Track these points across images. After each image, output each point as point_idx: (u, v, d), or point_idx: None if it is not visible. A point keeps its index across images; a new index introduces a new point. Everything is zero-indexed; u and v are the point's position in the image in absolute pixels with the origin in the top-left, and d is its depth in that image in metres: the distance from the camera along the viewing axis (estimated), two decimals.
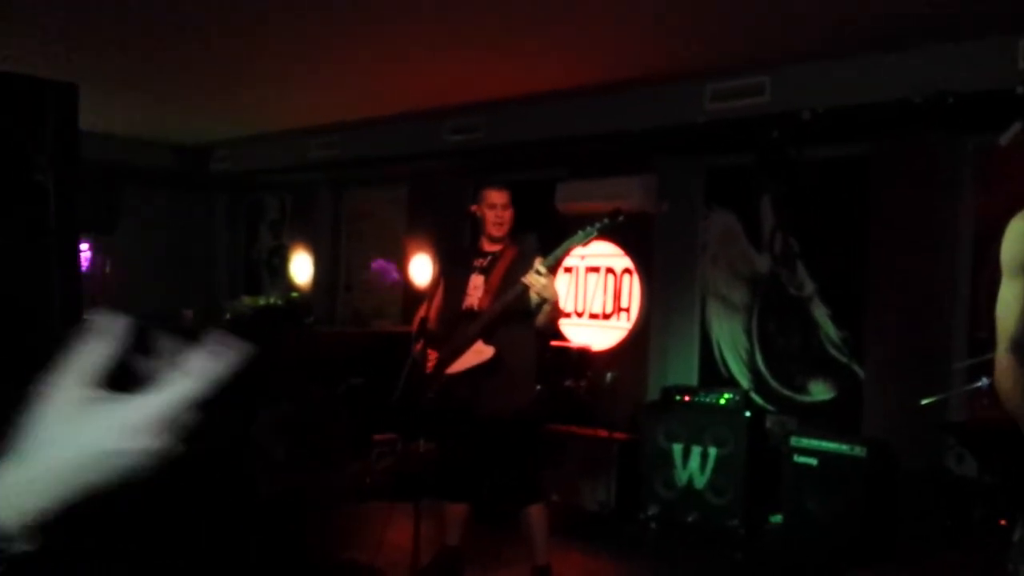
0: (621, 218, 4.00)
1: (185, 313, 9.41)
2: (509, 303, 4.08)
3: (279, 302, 8.44)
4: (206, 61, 6.51)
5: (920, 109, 5.21)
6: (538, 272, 3.89)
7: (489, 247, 4.37)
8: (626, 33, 5.41)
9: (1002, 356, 2.30)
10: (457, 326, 4.25)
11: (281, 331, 7.64)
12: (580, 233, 3.94)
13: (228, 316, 7.96)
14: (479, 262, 4.33)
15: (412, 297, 8.62)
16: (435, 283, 4.52)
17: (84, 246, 10.22)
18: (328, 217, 9.96)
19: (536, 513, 4.26)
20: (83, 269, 10.15)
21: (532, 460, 4.37)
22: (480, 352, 4.16)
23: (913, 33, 5.11)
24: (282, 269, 10.48)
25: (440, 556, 4.56)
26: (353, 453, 6.73)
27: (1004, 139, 4.87)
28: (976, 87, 5.06)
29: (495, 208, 4.34)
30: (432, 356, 4.24)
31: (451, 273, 4.42)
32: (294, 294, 9.62)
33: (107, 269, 9.73)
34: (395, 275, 8.88)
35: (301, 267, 10.11)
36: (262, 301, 8.27)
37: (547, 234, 7.58)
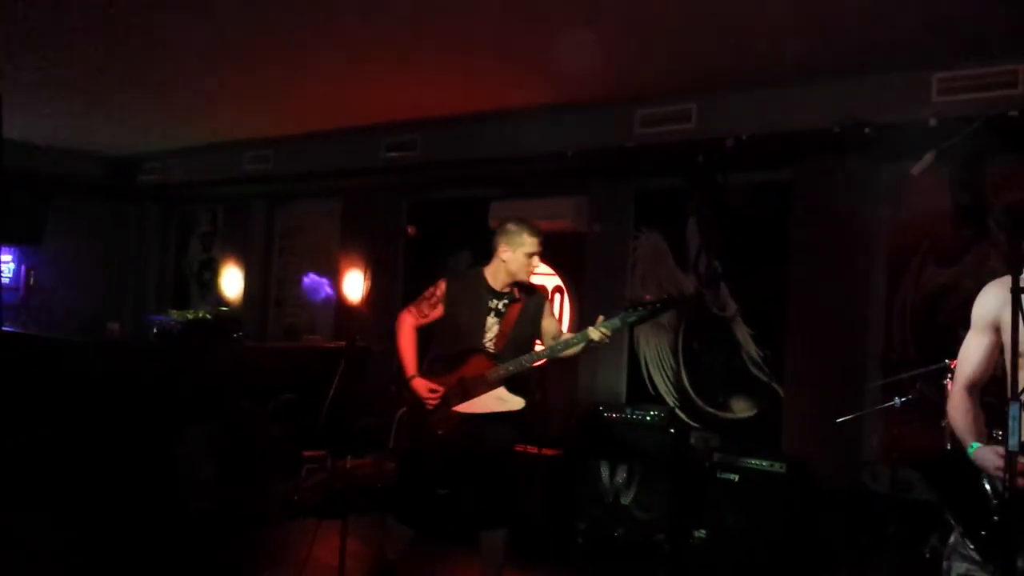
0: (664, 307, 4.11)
1: (111, 326, 9.22)
2: (558, 356, 4.16)
3: (208, 316, 8.32)
4: (137, 72, 6.45)
5: (838, 138, 5.45)
6: (604, 333, 3.98)
7: (503, 287, 4.22)
8: (563, 58, 5.52)
9: (957, 392, 2.79)
10: (467, 363, 4.14)
11: (210, 346, 7.54)
12: (632, 313, 4.03)
13: (155, 330, 7.82)
14: (494, 303, 4.20)
15: (345, 312, 8.61)
16: (432, 305, 4.29)
17: (7, 257, 9.95)
18: (261, 231, 9.87)
19: (505, 535, 4.27)
20: (7, 280, 9.89)
21: (512, 484, 4.37)
22: (504, 400, 4.11)
23: (833, 65, 5.34)
24: (212, 283, 10.34)
25: (377, 571, 4.55)
26: (283, 469, 6.68)
27: (917, 169, 5.11)
28: (892, 118, 5.31)
29: (534, 257, 4.18)
30: (428, 394, 4.14)
31: (464, 305, 4.20)
32: (224, 308, 9.50)
33: (31, 281, 9.49)
34: (328, 290, 8.85)
35: (232, 281, 10.00)
36: (191, 315, 8.14)
37: (481, 252, 7.72)
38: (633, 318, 4.01)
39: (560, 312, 7.15)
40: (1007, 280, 2.52)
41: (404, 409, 6.57)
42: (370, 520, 5.80)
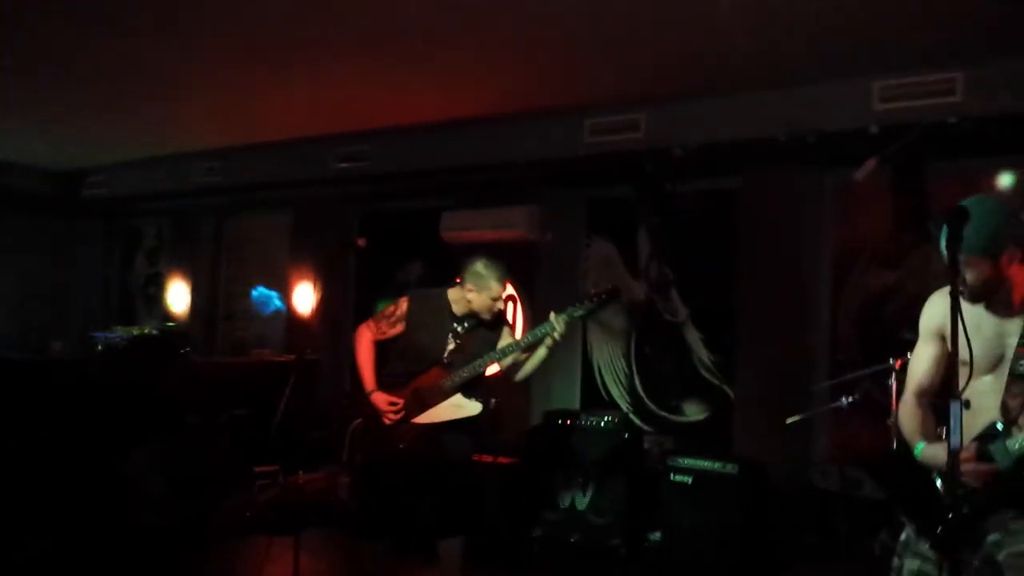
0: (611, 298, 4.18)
1: (54, 344, 9.01)
2: (520, 359, 4.17)
3: (155, 332, 8.18)
4: (79, 83, 6.34)
5: (784, 146, 5.57)
6: (556, 325, 4.01)
7: (465, 313, 4.24)
8: (510, 68, 5.59)
9: (908, 397, 2.86)
10: (423, 375, 4.17)
11: (157, 362, 7.41)
12: (579, 307, 4.08)
13: (100, 347, 7.67)
14: (456, 326, 4.23)
15: (295, 326, 8.53)
16: (392, 323, 4.29)
17: None
18: (209, 244, 9.74)
19: (462, 543, 4.28)
20: None
21: (470, 493, 4.37)
22: (461, 407, 4.14)
23: (778, 74, 5.47)
24: (159, 298, 10.17)
25: None
26: (234, 485, 6.58)
27: (860, 175, 5.24)
28: (835, 126, 5.45)
29: (498, 300, 4.22)
30: (388, 407, 4.15)
31: (425, 326, 4.23)
32: (171, 323, 9.35)
33: None
34: (277, 303, 8.76)
35: (178, 295, 9.83)
36: (136, 331, 8.00)
37: (432, 262, 7.75)
38: (581, 311, 4.08)
39: (513, 320, 7.18)
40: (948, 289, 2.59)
41: (359, 421, 6.52)
42: (322, 536, 5.76)
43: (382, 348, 4.35)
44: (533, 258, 7.01)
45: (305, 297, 8.49)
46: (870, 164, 5.22)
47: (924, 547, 2.66)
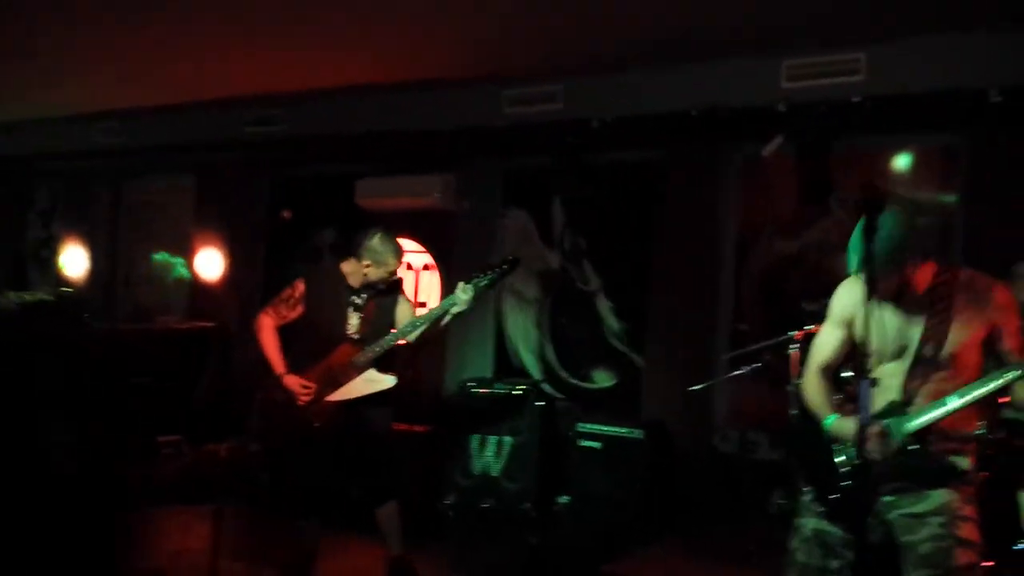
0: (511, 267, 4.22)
1: None
2: (430, 330, 4.16)
3: (49, 298, 7.85)
4: None
5: (696, 121, 5.74)
6: (464, 293, 4.03)
7: (362, 285, 4.26)
8: (428, 35, 5.55)
9: (812, 374, 3.04)
10: (333, 352, 4.17)
11: (53, 329, 7.13)
12: (483, 277, 4.11)
13: None
14: (354, 299, 4.25)
15: (200, 292, 8.33)
16: (291, 306, 4.29)
17: None
18: (107, 207, 9.37)
19: (395, 508, 4.34)
20: None
21: (394, 461, 4.42)
22: (375, 381, 4.15)
23: (691, 50, 5.61)
24: (52, 263, 9.75)
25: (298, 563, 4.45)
26: (138, 456, 6.42)
27: (767, 151, 5.44)
28: (744, 103, 5.63)
29: (394, 274, 4.25)
30: (300, 388, 4.14)
31: (324, 303, 4.24)
32: (66, 289, 8.99)
33: None
34: (182, 270, 8.54)
35: (75, 260, 9.46)
36: (29, 297, 7.66)
37: (346, 229, 7.65)
38: (485, 281, 4.13)
39: (429, 290, 7.19)
40: (859, 280, 2.76)
41: (264, 391, 6.48)
42: (237, 506, 5.69)
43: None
44: (450, 227, 7.02)
45: (212, 264, 8.27)
46: (777, 140, 5.44)
47: (822, 508, 2.85)
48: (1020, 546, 4.36)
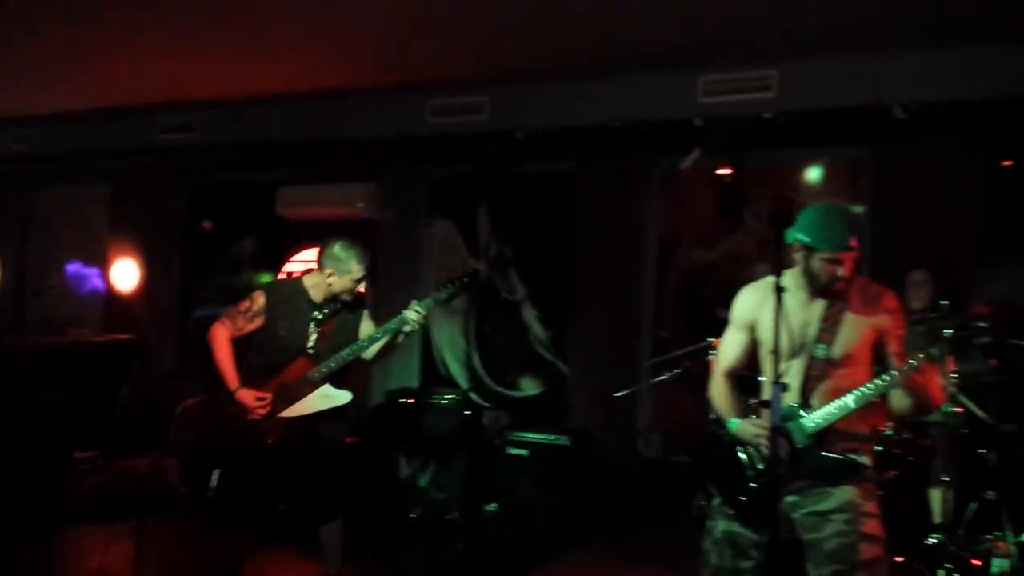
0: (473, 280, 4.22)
1: None
2: (386, 346, 4.12)
3: None
4: None
5: (617, 133, 5.88)
6: (418, 312, 4.00)
7: (324, 299, 4.17)
8: (349, 43, 5.55)
9: (718, 377, 3.16)
10: (288, 367, 4.09)
11: None
12: (443, 291, 4.12)
13: None
14: (315, 314, 4.15)
15: (115, 304, 8.12)
16: (249, 319, 4.16)
17: None
18: (16, 215, 9.05)
19: (339, 526, 4.28)
20: None
21: (343, 479, 4.35)
22: (330, 397, 4.07)
23: (613, 66, 5.74)
24: None
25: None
26: (53, 472, 6.23)
27: (685, 164, 5.61)
28: (663, 116, 5.79)
29: (359, 283, 4.16)
30: (255, 403, 4.05)
31: (285, 318, 4.13)
32: None
33: None
34: (96, 280, 8.31)
35: None
36: None
37: (267, 238, 7.57)
38: (445, 295, 4.13)
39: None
40: (761, 284, 2.92)
41: (189, 402, 6.32)
42: (157, 523, 5.57)
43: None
44: (374, 237, 7.00)
45: (127, 274, 8.07)
46: (694, 154, 5.61)
47: (731, 514, 2.98)
48: (930, 541, 4.60)
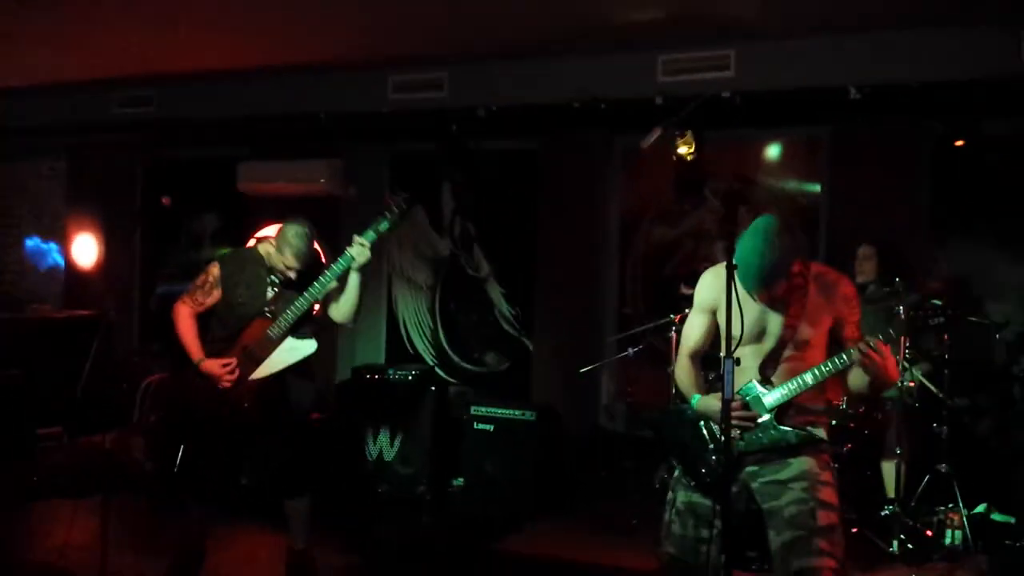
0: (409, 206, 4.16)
1: None
2: (345, 291, 4.06)
3: None
4: None
5: (578, 112, 5.91)
6: (362, 245, 3.94)
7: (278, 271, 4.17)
8: (310, 17, 5.49)
9: (682, 358, 3.26)
10: (246, 330, 4.06)
11: None
12: (382, 220, 4.02)
13: None
14: (272, 278, 4.13)
15: (75, 280, 8.04)
16: (207, 292, 4.15)
17: None
18: None
19: (308, 502, 4.31)
20: None
21: (311, 452, 4.38)
22: (296, 349, 4.05)
23: (574, 44, 5.76)
24: None
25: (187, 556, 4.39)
26: (15, 449, 6.21)
27: (645, 142, 5.66)
28: (624, 95, 5.83)
29: (291, 271, 4.10)
30: (222, 370, 4.04)
31: (242, 284, 4.11)
32: None
33: None
34: (55, 256, 8.20)
35: None
36: None
37: (229, 213, 7.53)
38: (386, 224, 4.07)
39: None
40: (721, 267, 2.99)
41: (154, 377, 6.28)
42: (123, 499, 5.59)
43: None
44: (336, 213, 7.00)
45: (86, 249, 7.97)
46: (655, 132, 5.66)
47: (692, 485, 3.09)
48: (885, 512, 4.77)
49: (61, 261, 8.12)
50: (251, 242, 7.09)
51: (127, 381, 6.72)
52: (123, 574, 4.38)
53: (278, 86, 6.82)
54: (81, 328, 7.38)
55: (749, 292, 2.92)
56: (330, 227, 7.05)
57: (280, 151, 7.06)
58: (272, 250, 4.15)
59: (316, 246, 4.24)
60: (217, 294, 4.15)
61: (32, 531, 5.25)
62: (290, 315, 4.05)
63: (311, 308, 4.10)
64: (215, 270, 4.16)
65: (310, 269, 4.16)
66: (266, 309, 4.11)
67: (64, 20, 5.69)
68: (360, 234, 4.02)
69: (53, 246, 8.11)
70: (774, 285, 2.89)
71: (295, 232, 4.06)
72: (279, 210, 7.28)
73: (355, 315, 4.20)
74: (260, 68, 6.62)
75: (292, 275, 4.12)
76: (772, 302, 2.98)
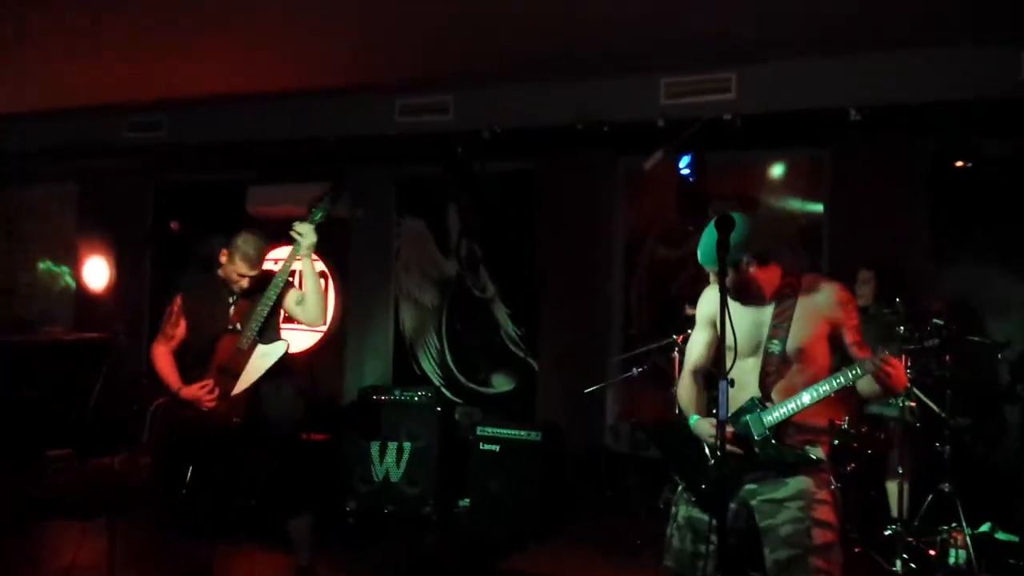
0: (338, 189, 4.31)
1: None
2: (288, 282, 4.15)
3: None
4: None
5: (582, 134, 5.98)
6: (299, 233, 4.06)
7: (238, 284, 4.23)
8: (317, 43, 5.59)
9: (685, 375, 3.31)
10: (216, 350, 4.14)
11: None
12: (316, 210, 4.17)
13: None
14: (233, 297, 4.21)
15: (86, 302, 8.13)
16: (174, 323, 4.25)
17: None
18: None
19: (309, 519, 4.37)
20: None
21: (305, 470, 4.46)
22: (269, 354, 4.13)
23: (578, 67, 5.84)
24: None
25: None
26: (24, 470, 6.26)
27: (648, 164, 5.73)
28: (627, 117, 5.90)
29: (243, 280, 4.16)
30: (201, 392, 4.11)
31: (204, 308, 4.20)
32: None
33: None
34: (67, 279, 8.30)
35: None
36: None
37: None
38: (320, 213, 4.20)
39: (326, 297, 7.21)
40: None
41: (162, 400, 6.34)
42: (129, 521, 5.63)
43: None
44: (344, 236, 7.08)
45: (97, 273, 8.07)
46: (657, 154, 5.73)
47: (693, 501, 3.12)
48: (888, 532, 4.77)
49: (72, 284, 8.21)
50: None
51: (137, 403, 6.77)
52: None
53: (288, 110, 6.93)
54: (92, 351, 7.46)
55: (705, 266, 2.98)
56: (340, 251, 7.14)
57: (288, 174, 7.15)
58: (224, 261, 4.22)
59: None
60: (183, 325, 4.23)
61: (39, 551, 5.29)
62: (254, 324, 4.14)
63: (275, 312, 4.19)
64: (178, 301, 4.26)
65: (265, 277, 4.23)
66: (230, 325, 4.18)
67: (76, 46, 5.80)
68: (299, 223, 4.14)
69: (65, 269, 8.20)
70: (730, 266, 2.89)
71: (244, 239, 4.16)
72: (286, 233, 7.43)
73: (323, 313, 4.30)
74: (268, 93, 6.73)
75: (245, 283, 4.18)
76: (742, 295, 3.02)
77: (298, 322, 4.30)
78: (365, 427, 6.15)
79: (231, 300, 4.23)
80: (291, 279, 4.30)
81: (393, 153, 6.79)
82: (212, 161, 7.55)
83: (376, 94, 6.55)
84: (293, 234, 4.10)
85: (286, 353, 4.21)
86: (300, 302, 4.22)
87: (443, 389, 6.79)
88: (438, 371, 6.93)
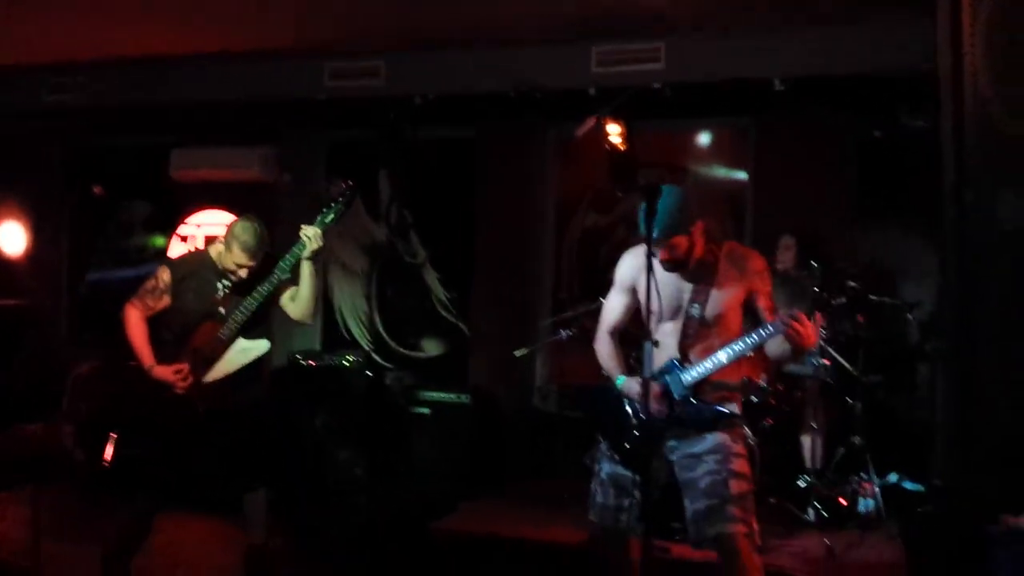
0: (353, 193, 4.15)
1: None
2: (298, 286, 4.03)
3: None
4: None
5: (514, 101, 6.02)
6: (308, 236, 3.90)
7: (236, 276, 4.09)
8: (247, 5, 5.49)
9: (602, 335, 3.40)
10: (196, 332, 3.98)
11: None
12: (327, 212, 4.03)
13: None
14: (223, 282, 4.05)
15: (2, 269, 7.86)
16: (157, 297, 4.04)
17: None
18: None
19: (264, 495, 4.26)
20: None
21: (267, 444, 4.35)
22: (248, 350, 4.01)
23: (510, 34, 5.86)
24: None
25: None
26: None
27: (579, 131, 5.80)
28: (559, 84, 5.96)
29: (241, 269, 4.00)
30: (175, 376, 3.95)
31: (191, 290, 4.01)
32: None
33: None
34: None
35: None
36: None
37: (159, 201, 7.45)
38: (332, 215, 4.06)
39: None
40: (641, 249, 3.13)
41: (83, 368, 6.20)
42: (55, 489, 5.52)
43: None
44: (271, 200, 6.98)
45: (13, 238, 7.79)
46: (589, 121, 5.79)
47: (616, 459, 3.24)
48: (802, 483, 5.00)
49: None
50: (181, 232, 7.07)
51: (56, 371, 6.63)
52: (56, 562, 4.35)
53: (213, 73, 6.77)
54: (9, 318, 7.25)
55: (663, 238, 3.01)
56: (267, 216, 7.02)
57: (213, 138, 7.01)
58: (222, 249, 4.11)
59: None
60: (167, 300, 4.07)
61: None
62: (240, 316, 3.99)
63: (264, 306, 4.05)
64: (165, 276, 4.04)
65: (262, 269, 4.08)
66: (216, 311, 4.07)
67: None
68: (307, 225, 3.98)
69: None
70: (671, 236, 3.01)
71: (243, 227, 3.99)
72: (211, 197, 7.30)
73: (313, 310, 4.17)
74: (195, 55, 6.57)
75: (243, 274, 4.03)
76: (676, 266, 3.11)
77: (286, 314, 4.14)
78: (295, 392, 6.14)
79: (220, 285, 4.06)
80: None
81: (322, 117, 6.72)
82: (135, 124, 7.35)
83: (306, 57, 6.46)
84: (301, 235, 3.94)
85: (267, 353, 4.11)
86: (294, 298, 4.10)
87: (373, 354, 6.81)
88: (368, 336, 6.94)
